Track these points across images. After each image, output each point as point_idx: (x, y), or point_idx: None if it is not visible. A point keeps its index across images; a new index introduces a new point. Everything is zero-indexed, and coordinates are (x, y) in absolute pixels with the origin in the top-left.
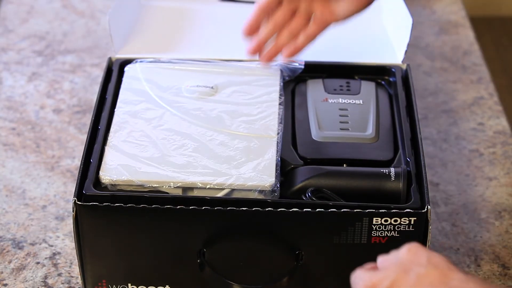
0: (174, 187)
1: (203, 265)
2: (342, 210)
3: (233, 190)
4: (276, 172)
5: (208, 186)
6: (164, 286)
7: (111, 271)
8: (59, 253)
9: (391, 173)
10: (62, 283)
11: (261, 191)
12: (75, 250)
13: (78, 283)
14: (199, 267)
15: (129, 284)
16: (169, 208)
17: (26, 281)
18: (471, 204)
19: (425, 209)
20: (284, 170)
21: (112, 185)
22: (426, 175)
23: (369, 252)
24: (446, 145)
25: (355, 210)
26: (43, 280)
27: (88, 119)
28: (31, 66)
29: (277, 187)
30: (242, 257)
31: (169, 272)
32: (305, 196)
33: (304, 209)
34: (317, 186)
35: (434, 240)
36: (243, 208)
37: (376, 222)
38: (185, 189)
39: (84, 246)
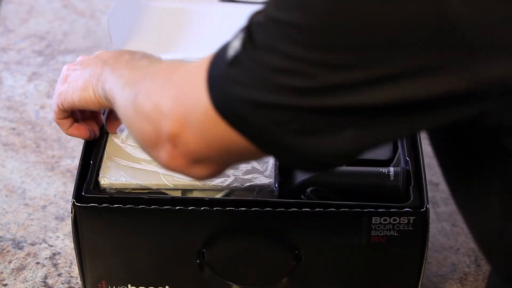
0: (173, 189)
1: (202, 265)
2: (341, 209)
3: (232, 190)
4: (274, 172)
5: (207, 187)
6: (164, 287)
7: (110, 272)
8: (59, 253)
9: (390, 173)
10: (62, 283)
11: (259, 191)
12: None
13: (78, 283)
14: (198, 268)
15: (129, 285)
16: (168, 209)
17: (26, 281)
18: None
19: (424, 208)
20: (283, 170)
21: (111, 188)
22: (425, 174)
23: (368, 252)
24: None
25: (354, 210)
26: (43, 280)
27: None
28: (31, 66)
29: (276, 187)
30: (241, 257)
31: (169, 272)
32: (304, 196)
33: (303, 209)
34: (316, 185)
35: (434, 240)
36: (242, 209)
37: (375, 221)
38: (184, 190)
39: (83, 247)
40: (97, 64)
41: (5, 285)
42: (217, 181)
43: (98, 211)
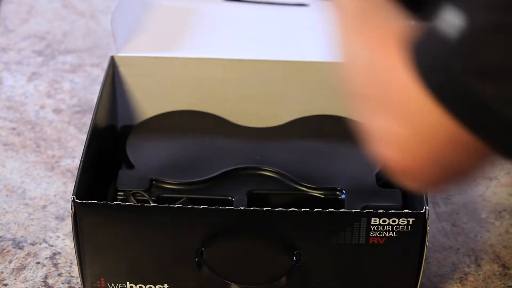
0: None
1: (200, 264)
2: (340, 210)
3: None
4: None
5: None
6: (163, 285)
7: (109, 269)
8: (59, 253)
9: None
10: (63, 283)
11: None
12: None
13: (78, 283)
14: (197, 266)
15: (128, 282)
16: (168, 207)
17: (26, 281)
18: (471, 204)
19: (423, 210)
20: None
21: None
22: None
23: (367, 253)
24: None
25: (353, 211)
26: (43, 280)
27: (88, 119)
28: (31, 66)
29: None
30: (240, 256)
31: (168, 270)
32: None
33: (303, 209)
34: None
35: (434, 240)
36: (241, 208)
37: (374, 222)
38: None
39: (83, 244)
40: None
41: (5, 285)
42: None
43: (97, 207)
